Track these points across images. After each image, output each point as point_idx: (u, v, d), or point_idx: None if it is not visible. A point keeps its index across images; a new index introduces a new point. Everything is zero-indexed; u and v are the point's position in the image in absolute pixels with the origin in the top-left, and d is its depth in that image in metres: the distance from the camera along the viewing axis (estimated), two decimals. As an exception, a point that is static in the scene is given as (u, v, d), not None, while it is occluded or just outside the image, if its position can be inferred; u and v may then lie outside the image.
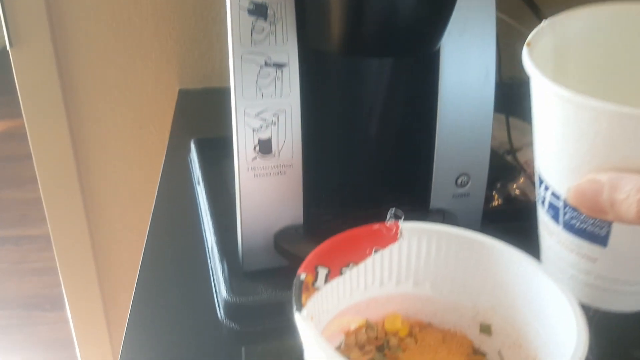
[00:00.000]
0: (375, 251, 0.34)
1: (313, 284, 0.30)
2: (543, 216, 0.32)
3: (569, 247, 0.30)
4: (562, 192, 0.30)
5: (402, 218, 0.34)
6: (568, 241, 0.30)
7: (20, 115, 0.89)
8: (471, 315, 0.35)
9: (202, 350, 0.44)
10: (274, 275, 0.48)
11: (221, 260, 0.48)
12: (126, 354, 0.43)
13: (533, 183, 0.63)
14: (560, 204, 0.30)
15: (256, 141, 0.45)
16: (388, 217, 0.34)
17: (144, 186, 0.97)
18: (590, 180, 0.27)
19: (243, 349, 0.45)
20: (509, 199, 0.62)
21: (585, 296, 0.31)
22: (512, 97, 0.61)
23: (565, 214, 0.30)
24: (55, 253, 1.02)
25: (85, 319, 1.09)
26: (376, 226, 0.34)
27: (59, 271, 1.04)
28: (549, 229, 0.32)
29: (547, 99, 0.29)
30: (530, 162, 0.67)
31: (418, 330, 0.35)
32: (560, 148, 0.29)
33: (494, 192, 0.61)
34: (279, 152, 0.45)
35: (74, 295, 1.06)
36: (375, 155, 0.53)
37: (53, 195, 0.97)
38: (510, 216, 0.59)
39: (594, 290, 0.30)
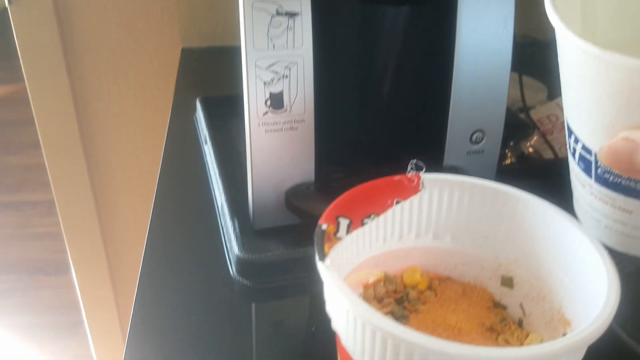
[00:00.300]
0: (397, 202, 0.33)
1: (335, 234, 0.30)
2: (574, 167, 0.31)
3: (603, 200, 0.29)
4: (594, 147, 0.28)
5: (424, 169, 0.33)
6: (601, 194, 0.29)
7: (18, 80, 0.87)
8: (493, 267, 0.34)
9: (214, 306, 0.44)
10: (285, 232, 0.48)
11: (232, 218, 0.48)
12: (137, 313, 0.43)
13: (547, 141, 0.62)
14: (592, 158, 0.29)
15: (267, 95, 0.43)
16: (409, 168, 0.33)
17: (149, 147, 0.96)
18: (624, 138, 0.26)
19: (254, 305, 0.45)
20: (522, 157, 0.61)
21: (620, 244, 0.30)
22: (525, 55, 0.60)
23: (597, 168, 0.29)
24: (59, 218, 1.01)
25: (91, 282, 1.09)
26: (397, 177, 0.33)
27: (64, 236, 1.04)
28: (580, 180, 0.30)
29: (574, 54, 0.27)
30: (543, 120, 0.66)
31: (437, 283, 0.35)
32: (591, 104, 0.27)
33: (507, 150, 0.60)
34: (291, 107, 0.44)
35: (79, 259, 1.06)
36: (389, 110, 0.52)
37: (56, 159, 0.96)
38: (523, 174, 0.58)
39: (631, 239, 0.29)
